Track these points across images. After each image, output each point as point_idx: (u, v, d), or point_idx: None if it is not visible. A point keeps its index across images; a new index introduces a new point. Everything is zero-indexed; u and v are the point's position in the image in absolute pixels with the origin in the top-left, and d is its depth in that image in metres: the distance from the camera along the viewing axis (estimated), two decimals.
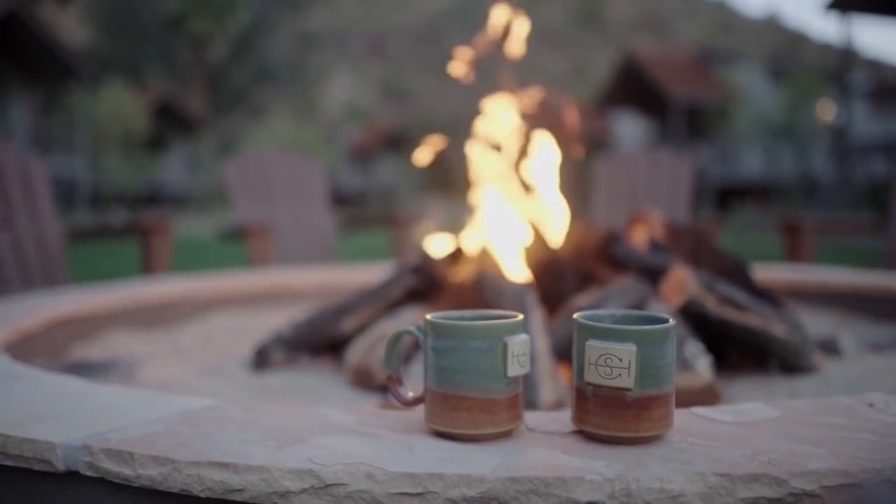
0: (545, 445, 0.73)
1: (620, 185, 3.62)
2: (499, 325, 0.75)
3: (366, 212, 20.61)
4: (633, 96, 25.28)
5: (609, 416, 0.73)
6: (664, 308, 1.47)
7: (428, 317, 0.78)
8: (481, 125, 1.91)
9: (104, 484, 0.74)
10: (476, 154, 1.88)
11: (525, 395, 0.89)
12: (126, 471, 0.72)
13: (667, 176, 3.53)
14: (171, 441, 0.74)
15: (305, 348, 1.68)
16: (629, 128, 26.65)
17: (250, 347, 1.72)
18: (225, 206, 14.87)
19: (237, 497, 0.68)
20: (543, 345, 1.32)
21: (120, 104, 20.12)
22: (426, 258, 1.75)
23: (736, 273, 1.63)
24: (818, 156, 22.41)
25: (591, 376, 0.74)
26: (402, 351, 1.43)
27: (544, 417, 0.83)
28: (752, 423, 0.79)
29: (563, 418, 0.81)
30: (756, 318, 1.44)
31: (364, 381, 1.47)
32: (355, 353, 1.52)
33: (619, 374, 0.72)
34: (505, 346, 0.74)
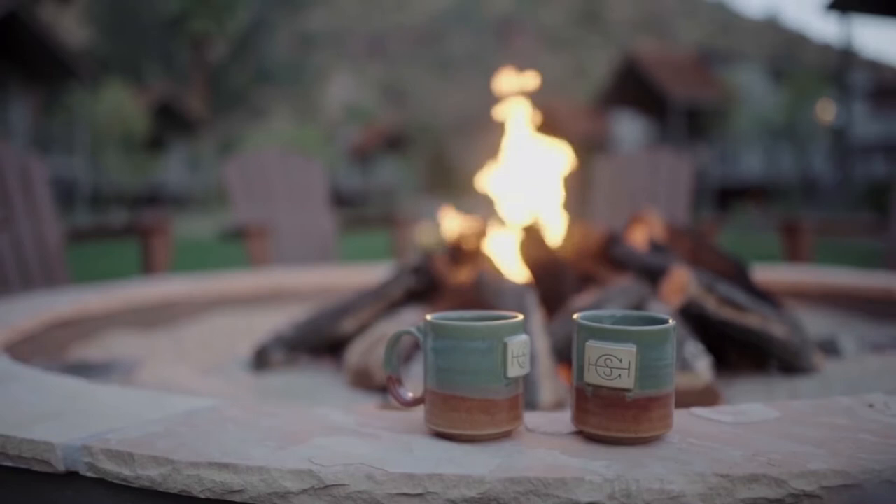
0: (545, 446, 0.73)
1: (620, 185, 3.62)
2: (499, 326, 0.75)
3: (366, 212, 20.61)
4: (633, 96, 25.26)
5: (609, 416, 0.73)
6: (664, 308, 1.47)
7: (428, 317, 0.77)
8: (487, 126, 1.91)
9: (104, 484, 0.74)
10: (478, 157, 1.89)
11: (525, 396, 0.89)
12: (126, 471, 0.72)
13: (666, 176, 3.53)
14: (170, 441, 0.74)
15: (305, 349, 1.68)
16: (629, 128, 26.66)
17: (250, 347, 1.72)
18: (225, 206, 14.88)
19: (237, 498, 0.68)
20: (543, 345, 1.32)
21: (120, 104, 20.10)
22: (426, 258, 1.75)
23: (735, 273, 1.63)
24: (818, 156, 22.39)
25: (591, 377, 0.74)
26: (402, 351, 1.43)
27: (544, 418, 0.83)
28: (751, 423, 0.79)
29: (563, 419, 0.81)
30: (756, 318, 1.44)
31: (364, 381, 1.47)
32: (355, 353, 1.52)
33: (619, 375, 0.72)
34: (505, 346, 0.74)
